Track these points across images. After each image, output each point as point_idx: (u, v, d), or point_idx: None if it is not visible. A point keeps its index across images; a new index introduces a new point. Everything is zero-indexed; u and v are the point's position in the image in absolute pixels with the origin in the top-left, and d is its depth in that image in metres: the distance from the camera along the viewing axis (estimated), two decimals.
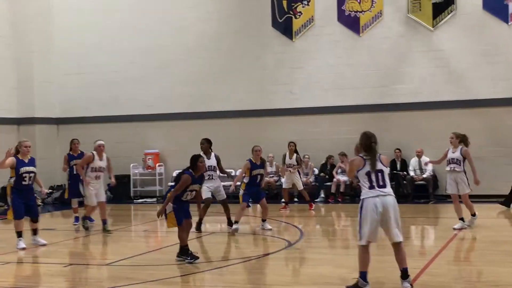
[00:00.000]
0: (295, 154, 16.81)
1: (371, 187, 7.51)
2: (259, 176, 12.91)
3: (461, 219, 12.50)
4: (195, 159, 9.89)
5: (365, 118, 18.67)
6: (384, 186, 7.56)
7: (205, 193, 12.43)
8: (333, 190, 18.73)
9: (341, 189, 18.65)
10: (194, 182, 9.78)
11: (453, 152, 12.56)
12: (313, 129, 19.60)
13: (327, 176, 19.09)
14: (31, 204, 11.69)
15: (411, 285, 7.56)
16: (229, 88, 20.41)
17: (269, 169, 19.16)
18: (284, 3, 20.04)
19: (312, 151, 19.31)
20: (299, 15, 19.94)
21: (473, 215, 12.67)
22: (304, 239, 12.13)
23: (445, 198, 16.86)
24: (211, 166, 12.90)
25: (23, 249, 11.32)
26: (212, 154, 13.13)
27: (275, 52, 20.12)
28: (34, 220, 11.69)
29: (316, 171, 19.49)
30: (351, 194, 18.86)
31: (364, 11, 19.39)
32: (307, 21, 19.88)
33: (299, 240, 11.98)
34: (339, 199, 18.62)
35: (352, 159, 7.87)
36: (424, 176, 18.39)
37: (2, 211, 18.82)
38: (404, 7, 19.13)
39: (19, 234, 11.50)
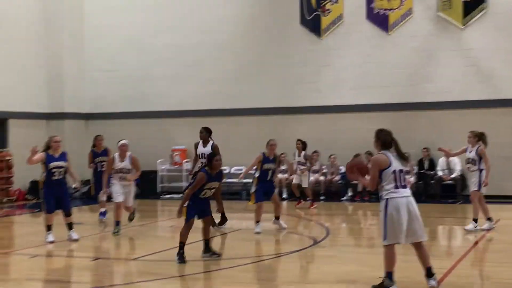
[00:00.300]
0: (303, 152, 16.91)
1: (396, 187, 7.40)
2: (270, 172, 12.49)
3: (489, 219, 12.29)
4: (211, 157, 9.79)
5: (392, 117, 18.56)
6: (405, 186, 7.50)
7: None
8: (359, 188, 18.66)
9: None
10: (211, 180, 9.63)
11: (469, 152, 12.25)
12: (339, 128, 19.55)
13: None
14: (63, 198, 11.71)
15: (438, 282, 7.51)
16: (257, 85, 20.43)
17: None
18: (313, 1, 20.00)
19: (338, 149, 19.26)
20: (328, 13, 19.88)
21: (475, 220, 12.22)
22: (330, 237, 12.11)
23: None
24: (204, 154, 12.57)
25: (52, 242, 11.45)
26: (210, 143, 12.99)
27: (303, 50, 20.09)
28: (67, 214, 11.75)
29: (342, 170, 19.43)
30: (378, 193, 18.74)
31: (393, 9, 19.27)
32: (336, 18, 19.81)
33: (325, 238, 11.96)
34: (366, 198, 18.55)
35: (376, 158, 7.63)
36: (453, 176, 18.23)
37: (32, 204, 19.08)
38: (434, 5, 18.97)
39: (48, 228, 11.63)
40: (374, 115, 19.03)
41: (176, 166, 21.11)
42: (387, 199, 7.43)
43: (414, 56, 19.08)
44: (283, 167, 18.89)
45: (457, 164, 18.05)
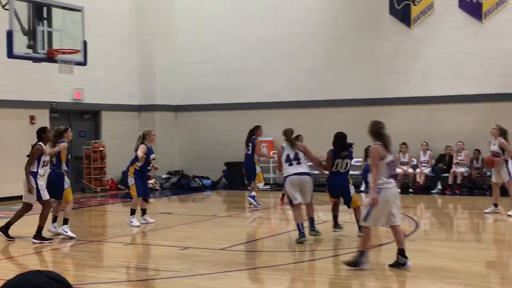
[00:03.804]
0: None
1: None
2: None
3: (495, 204, 13.49)
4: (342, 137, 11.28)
5: (485, 108, 18.00)
6: None
7: None
8: (450, 181, 18.23)
9: (458, 181, 18.12)
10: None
11: (493, 145, 13.25)
12: (429, 119, 19.12)
13: (444, 167, 18.59)
14: (146, 186, 12.89)
15: None
16: (346, 76, 20.22)
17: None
18: None
19: (429, 141, 18.87)
20: (418, 2, 19.43)
21: None
22: (419, 231, 11.88)
23: None
24: None
25: (138, 226, 11.95)
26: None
27: (392, 40, 19.73)
28: (147, 199, 12.70)
29: (433, 162, 19.03)
30: (469, 186, 18.30)
31: None
32: (426, 7, 19.35)
33: (414, 231, 11.75)
34: (457, 191, 18.10)
35: None
36: None
37: (124, 194, 19.62)
38: None
39: (133, 212, 12.31)
40: (466, 106, 18.52)
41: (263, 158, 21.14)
42: None
43: (510, 45, 18.39)
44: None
45: None
